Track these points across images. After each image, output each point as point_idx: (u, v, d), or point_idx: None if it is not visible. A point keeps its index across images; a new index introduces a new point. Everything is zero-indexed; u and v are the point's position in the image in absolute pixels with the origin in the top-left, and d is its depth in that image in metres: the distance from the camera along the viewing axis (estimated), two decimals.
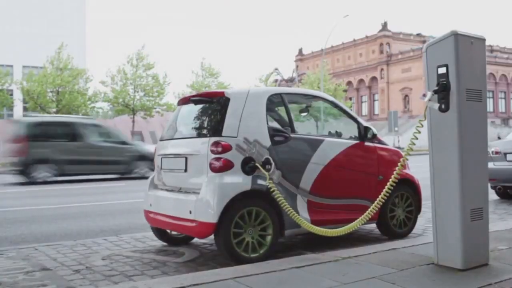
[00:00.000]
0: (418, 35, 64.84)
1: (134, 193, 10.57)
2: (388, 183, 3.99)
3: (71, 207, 8.88)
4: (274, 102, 5.02)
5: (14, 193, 12.05)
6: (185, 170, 4.59)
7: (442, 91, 3.51)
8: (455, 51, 3.46)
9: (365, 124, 5.27)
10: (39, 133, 14.22)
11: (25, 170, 13.72)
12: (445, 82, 3.50)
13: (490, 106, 58.67)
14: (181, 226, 4.53)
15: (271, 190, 4.29)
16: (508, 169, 8.43)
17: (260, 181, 4.35)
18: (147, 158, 14.47)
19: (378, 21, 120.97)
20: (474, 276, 3.41)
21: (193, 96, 4.96)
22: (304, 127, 5.77)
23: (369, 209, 4.15)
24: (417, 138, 3.73)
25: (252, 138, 4.42)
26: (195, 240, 5.34)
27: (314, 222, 4.57)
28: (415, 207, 5.52)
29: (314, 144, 4.84)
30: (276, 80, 52.06)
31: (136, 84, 36.61)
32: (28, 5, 53.69)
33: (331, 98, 5.45)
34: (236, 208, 4.23)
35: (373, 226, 5.61)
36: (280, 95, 4.96)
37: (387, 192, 4.02)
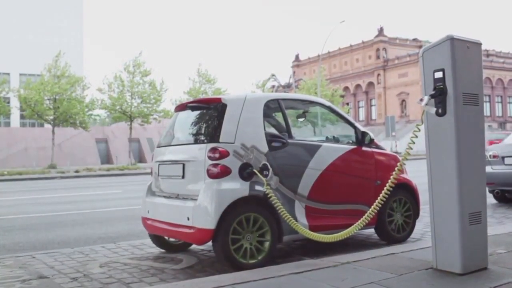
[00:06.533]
0: (414, 40, 65.13)
1: (132, 200, 10.55)
2: (385, 188, 3.99)
3: (69, 214, 8.86)
4: (271, 107, 5.02)
5: (11, 201, 12.01)
6: (183, 177, 4.58)
7: (439, 95, 3.51)
8: (452, 55, 3.47)
9: (362, 129, 5.27)
10: None
11: None
12: (441, 86, 3.51)
13: (487, 110, 58.81)
14: (179, 233, 4.51)
15: (269, 196, 4.28)
16: (506, 172, 8.43)
17: (257, 187, 4.35)
18: None
19: (374, 27, 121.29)
20: (473, 280, 3.40)
21: (190, 102, 4.97)
22: (302, 133, 5.76)
23: (366, 214, 4.13)
24: (414, 143, 3.73)
25: (249, 144, 4.41)
26: (193, 246, 5.32)
27: (312, 227, 4.56)
28: (413, 212, 5.51)
29: (312, 149, 4.84)
30: (273, 86, 52.17)
31: (133, 91, 36.60)
32: (26, 13, 53.75)
33: (328, 104, 5.46)
34: (234, 214, 4.22)
35: (371, 231, 5.60)
36: (277, 100, 4.95)
37: (384, 197, 4.02)
